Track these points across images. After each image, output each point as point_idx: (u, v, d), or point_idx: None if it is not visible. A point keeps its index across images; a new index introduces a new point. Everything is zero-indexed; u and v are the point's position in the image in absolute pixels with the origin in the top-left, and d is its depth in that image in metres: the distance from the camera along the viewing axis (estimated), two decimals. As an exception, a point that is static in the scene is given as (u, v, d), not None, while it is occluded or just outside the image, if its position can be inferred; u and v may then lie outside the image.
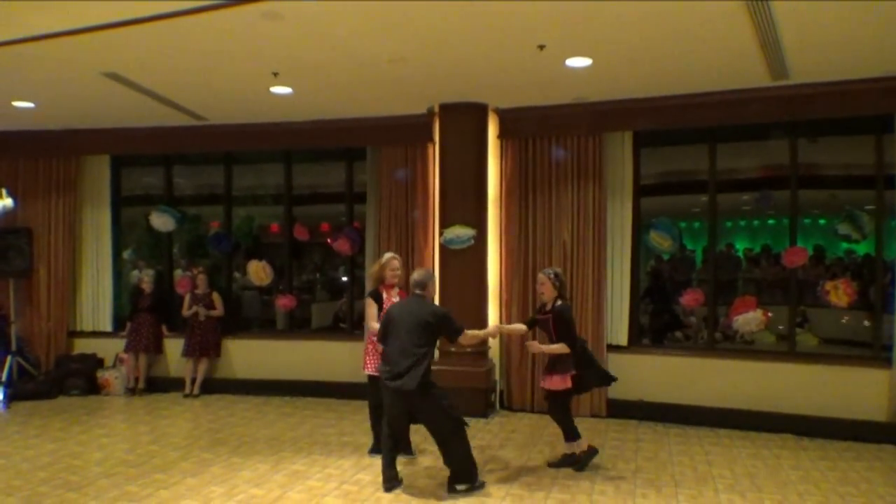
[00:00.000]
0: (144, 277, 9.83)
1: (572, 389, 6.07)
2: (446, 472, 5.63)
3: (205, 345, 9.37)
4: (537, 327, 6.40)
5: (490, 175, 8.43)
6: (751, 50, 6.15)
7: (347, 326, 9.73)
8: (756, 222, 15.72)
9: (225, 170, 9.97)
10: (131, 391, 9.46)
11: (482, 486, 5.63)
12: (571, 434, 6.20)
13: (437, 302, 7.31)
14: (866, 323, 8.84)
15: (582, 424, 7.67)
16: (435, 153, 8.54)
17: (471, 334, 6.00)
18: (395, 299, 6.34)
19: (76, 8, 5.59)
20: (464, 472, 5.56)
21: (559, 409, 6.21)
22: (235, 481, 5.86)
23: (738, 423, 7.52)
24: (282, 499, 5.46)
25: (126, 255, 11.07)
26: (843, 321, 9.55)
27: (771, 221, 14.97)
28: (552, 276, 6.11)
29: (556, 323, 6.02)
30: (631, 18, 5.50)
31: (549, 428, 7.59)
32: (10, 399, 8.92)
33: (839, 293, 7.38)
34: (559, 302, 6.06)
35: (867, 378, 7.17)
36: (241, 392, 9.37)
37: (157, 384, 9.61)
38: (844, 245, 10.58)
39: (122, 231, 10.45)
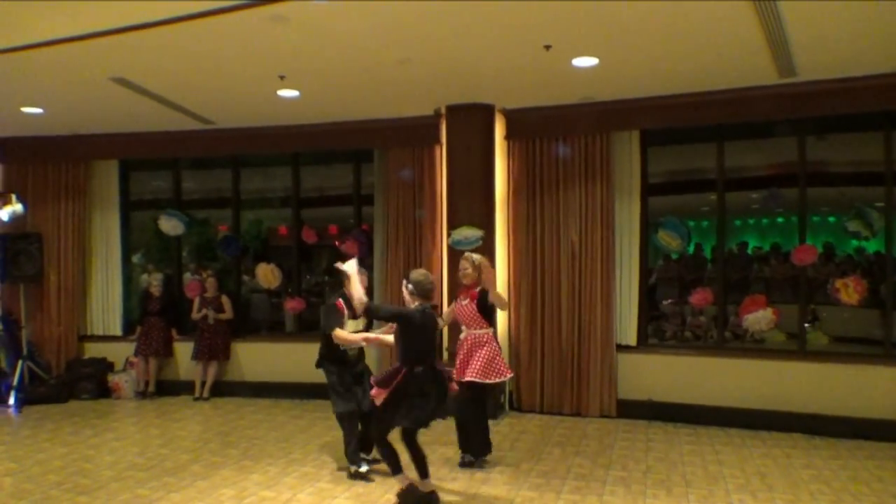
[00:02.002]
0: (154, 281, 9.85)
1: (385, 412, 5.14)
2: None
3: (214, 348, 9.40)
4: None
5: (497, 176, 8.43)
6: (758, 47, 6.13)
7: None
8: (765, 220, 15.66)
9: (233, 173, 9.99)
10: (141, 395, 9.49)
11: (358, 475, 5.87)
12: (393, 467, 5.26)
13: (443, 303, 7.66)
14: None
15: (591, 425, 7.73)
16: (442, 154, 8.54)
17: (341, 336, 5.80)
18: (464, 301, 6.30)
19: (84, 13, 5.61)
20: (348, 455, 5.99)
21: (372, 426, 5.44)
22: (246, 484, 5.87)
23: (748, 423, 7.48)
24: (292, 501, 5.47)
25: (135, 259, 11.11)
26: (845, 316, 9.51)
27: (780, 219, 14.91)
28: (408, 286, 5.29)
29: None
30: (637, 17, 5.49)
31: (558, 429, 7.61)
32: (21, 403, 8.97)
33: (849, 291, 7.34)
34: None
35: (878, 376, 7.13)
36: (251, 395, 9.39)
37: (167, 387, 9.65)
38: (854, 242, 10.52)
39: (132, 235, 10.48)
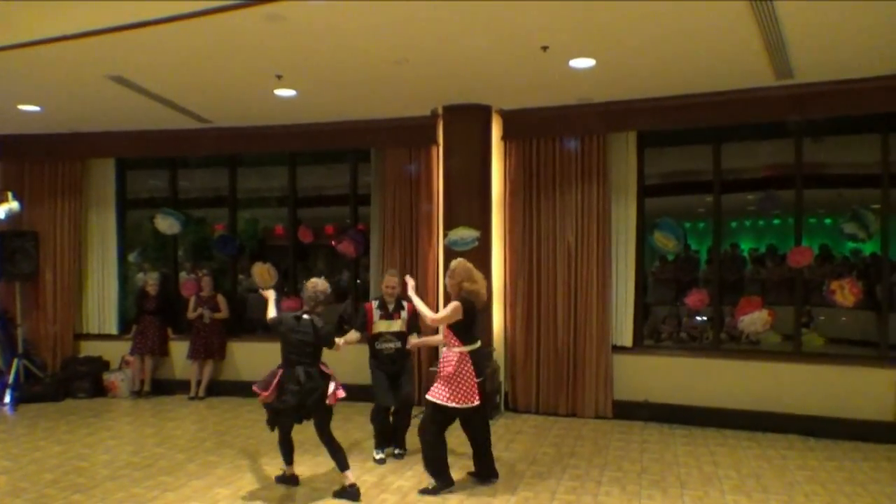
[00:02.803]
0: (149, 280, 9.84)
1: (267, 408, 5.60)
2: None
3: (210, 347, 9.39)
4: None
5: (494, 176, 8.43)
6: (755, 49, 6.13)
7: (350, 328, 9.70)
8: (761, 222, 15.68)
9: (229, 172, 9.98)
10: (137, 394, 9.48)
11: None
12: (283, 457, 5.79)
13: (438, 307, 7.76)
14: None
15: (587, 426, 7.75)
16: (439, 155, 8.55)
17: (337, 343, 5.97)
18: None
19: (82, 11, 5.61)
20: None
21: None
22: (241, 483, 5.88)
23: (743, 424, 7.50)
24: (288, 500, 5.46)
25: (131, 257, 11.09)
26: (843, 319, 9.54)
27: (776, 221, 14.93)
28: None
29: None
30: (634, 18, 5.50)
31: (554, 430, 7.62)
32: (16, 402, 8.94)
33: (845, 293, 7.35)
34: None
35: (874, 378, 7.14)
36: (247, 394, 9.28)
37: (163, 387, 9.64)
38: (850, 244, 10.54)
39: (128, 234, 10.47)
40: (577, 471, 6.18)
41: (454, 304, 5.57)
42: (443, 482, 5.61)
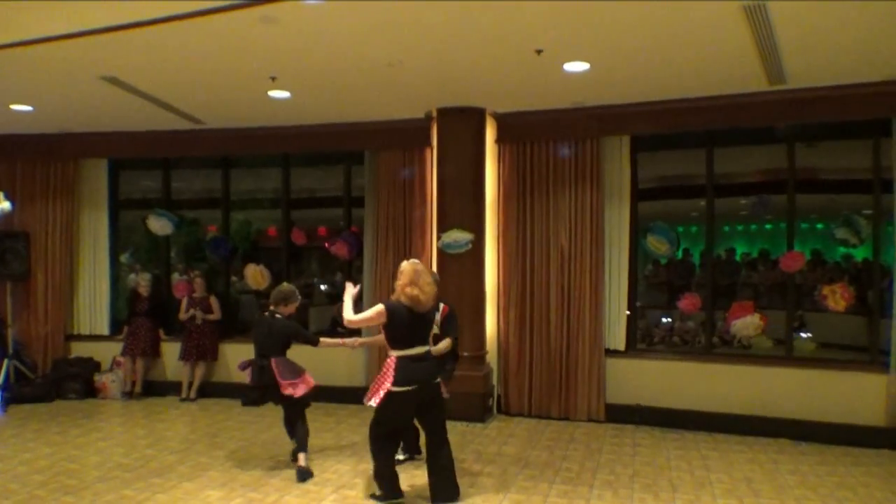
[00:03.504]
0: (141, 281, 9.79)
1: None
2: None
3: (202, 348, 9.36)
4: None
5: (488, 179, 8.43)
6: (748, 54, 6.16)
7: (345, 330, 9.67)
8: (754, 227, 15.72)
9: (223, 173, 9.96)
10: (128, 395, 9.44)
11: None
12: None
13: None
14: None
15: (579, 429, 7.75)
16: (433, 157, 8.53)
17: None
18: None
19: (74, 11, 5.59)
20: None
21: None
22: (232, 485, 5.85)
23: (735, 428, 7.51)
24: (279, 503, 5.45)
25: (123, 258, 11.05)
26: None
27: (768, 226, 14.97)
28: None
29: None
30: (629, 22, 5.51)
31: (546, 433, 7.62)
32: (7, 403, 8.90)
33: (836, 298, 7.39)
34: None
35: (865, 382, 7.16)
36: (239, 396, 9.31)
37: (154, 388, 9.60)
38: (842, 249, 10.58)
39: (120, 235, 10.43)
40: (570, 474, 6.18)
41: (377, 306, 5.24)
42: (387, 492, 5.36)
